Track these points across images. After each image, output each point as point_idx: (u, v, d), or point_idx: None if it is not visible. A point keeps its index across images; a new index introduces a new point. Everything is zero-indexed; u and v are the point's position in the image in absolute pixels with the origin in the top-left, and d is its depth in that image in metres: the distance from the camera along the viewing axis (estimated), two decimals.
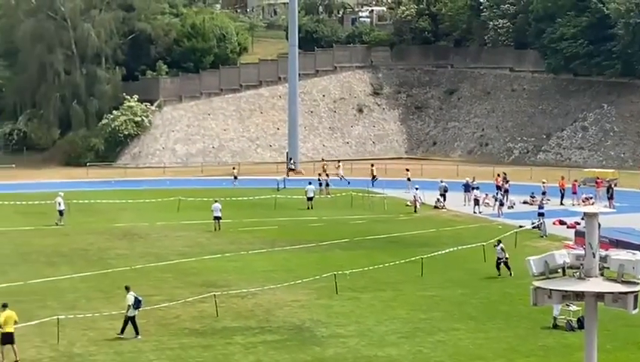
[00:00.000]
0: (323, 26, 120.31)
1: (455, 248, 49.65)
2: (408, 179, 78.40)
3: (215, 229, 59.19)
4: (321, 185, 77.61)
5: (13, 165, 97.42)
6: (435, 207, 69.22)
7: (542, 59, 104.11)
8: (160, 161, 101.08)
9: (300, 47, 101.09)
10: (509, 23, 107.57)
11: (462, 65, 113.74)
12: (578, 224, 56.11)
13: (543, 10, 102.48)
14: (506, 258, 44.57)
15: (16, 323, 32.61)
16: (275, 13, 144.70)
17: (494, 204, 67.76)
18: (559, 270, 17.35)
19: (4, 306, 32.76)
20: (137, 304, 34.67)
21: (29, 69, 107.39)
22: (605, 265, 17.10)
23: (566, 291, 16.91)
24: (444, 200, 70.03)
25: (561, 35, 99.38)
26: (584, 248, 17.19)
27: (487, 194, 70.38)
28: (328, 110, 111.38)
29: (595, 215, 17.24)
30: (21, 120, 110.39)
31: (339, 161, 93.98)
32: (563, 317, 35.20)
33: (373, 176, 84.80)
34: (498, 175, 74.64)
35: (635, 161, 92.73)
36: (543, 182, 71.84)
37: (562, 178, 72.42)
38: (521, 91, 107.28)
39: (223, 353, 32.97)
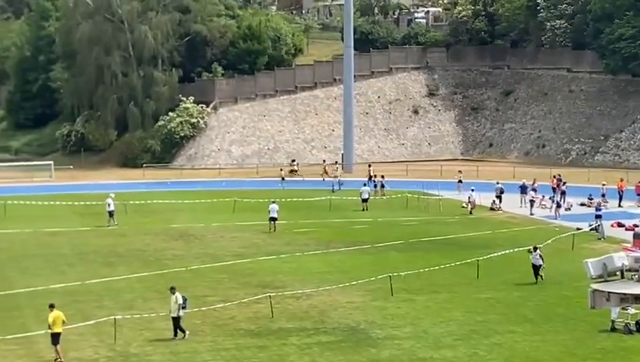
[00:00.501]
0: (378, 27, 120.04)
1: (511, 250, 49.28)
2: (460, 181, 78.03)
3: (270, 230, 59.30)
4: (375, 186, 77.45)
5: (71, 166, 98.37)
6: (491, 209, 68.80)
7: (600, 59, 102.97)
8: (215, 162, 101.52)
9: (355, 49, 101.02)
10: (566, 24, 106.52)
11: (519, 66, 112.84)
12: (637, 226, 55.49)
13: (600, 10, 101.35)
14: (541, 265, 43.41)
15: (64, 323, 32.77)
16: (331, 14, 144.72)
17: (551, 206, 67.22)
18: (617, 273, 17.13)
19: (52, 307, 32.90)
20: (184, 304, 34.78)
21: (86, 71, 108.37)
22: None
23: (624, 294, 16.70)
24: (500, 201, 69.59)
25: (620, 36, 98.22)
26: None
27: (543, 196, 69.85)
28: (383, 111, 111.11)
29: None
30: (79, 121, 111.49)
31: (336, 162, 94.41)
32: (621, 320, 34.78)
33: (370, 177, 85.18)
34: (554, 176, 74.08)
35: None
36: (603, 184, 71.05)
37: (621, 180, 71.62)
38: (579, 92, 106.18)
39: (278, 354, 33.00)
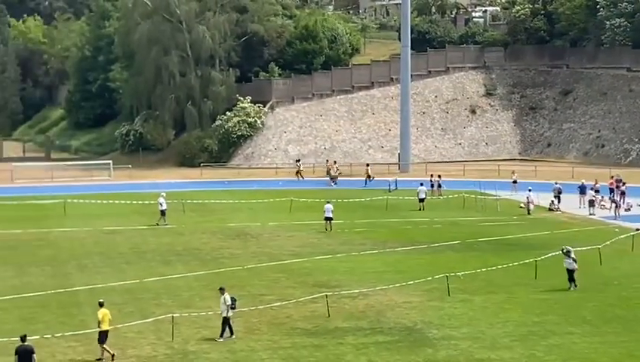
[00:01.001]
0: (436, 27, 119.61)
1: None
2: (514, 182, 77.45)
3: (326, 230, 59.34)
4: (432, 186, 77.16)
5: (130, 165, 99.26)
6: (550, 209, 68.25)
7: None
8: (272, 161, 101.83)
9: (412, 48, 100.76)
10: (626, 22, 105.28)
11: (578, 66, 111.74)
12: None
13: None
14: (575, 268, 42.32)
15: (110, 322, 33.01)
16: (388, 14, 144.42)
17: (610, 207, 66.53)
18: None
19: (101, 304, 33.11)
20: (233, 304, 34.88)
21: (145, 71, 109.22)
22: None
23: None
24: (559, 202, 69.01)
25: None
26: None
27: (602, 197, 69.15)
28: (440, 111, 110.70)
29: None
30: (137, 121, 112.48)
31: (334, 161, 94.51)
32: None
33: (368, 176, 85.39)
34: (611, 177, 73.35)
35: None
36: None
37: None
38: (639, 92, 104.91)
39: (335, 353, 33.02)
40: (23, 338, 29.56)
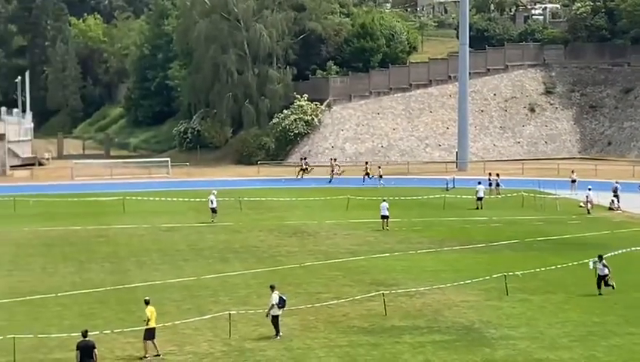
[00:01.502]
0: (494, 24, 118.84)
1: (629, 249, 48.21)
2: (573, 181, 76.63)
3: (383, 228, 59.17)
4: (490, 185, 76.63)
5: (187, 163, 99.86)
6: (610, 209, 67.44)
7: None
8: (329, 159, 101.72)
9: (470, 46, 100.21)
10: None
11: (639, 64, 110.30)
12: None
13: None
14: (606, 274, 41.07)
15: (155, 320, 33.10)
16: (446, 11, 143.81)
17: None
18: None
19: (147, 302, 33.17)
20: (282, 303, 34.82)
21: (203, 69, 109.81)
22: None
23: None
24: (619, 201, 68.18)
25: None
26: None
27: None
28: (499, 109, 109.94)
29: None
30: (195, 119, 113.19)
31: (334, 159, 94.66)
32: None
33: (366, 174, 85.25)
34: None
35: None
36: None
37: None
38: None
39: (391, 352, 32.88)
40: (85, 334, 29.79)
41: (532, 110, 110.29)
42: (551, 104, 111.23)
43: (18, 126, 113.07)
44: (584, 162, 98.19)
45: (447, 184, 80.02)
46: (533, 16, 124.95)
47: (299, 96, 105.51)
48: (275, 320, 34.66)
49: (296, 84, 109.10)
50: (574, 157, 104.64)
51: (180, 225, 61.84)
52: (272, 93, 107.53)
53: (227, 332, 34.77)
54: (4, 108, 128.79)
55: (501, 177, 78.32)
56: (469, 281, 42.09)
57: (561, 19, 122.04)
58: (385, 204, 59.96)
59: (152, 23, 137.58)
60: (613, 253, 46.88)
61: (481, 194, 69.65)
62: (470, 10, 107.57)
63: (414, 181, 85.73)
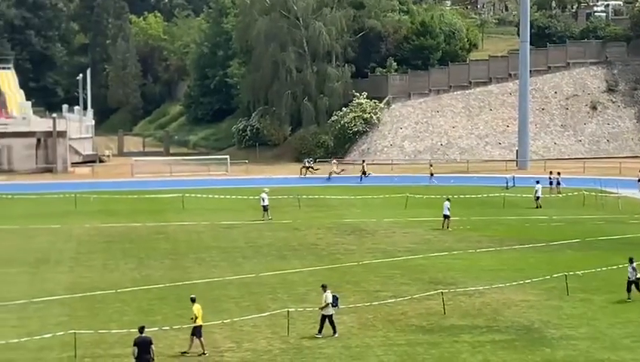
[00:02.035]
0: (556, 22, 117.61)
1: None
2: (639, 180, 75.65)
3: (443, 227, 58.84)
4: (551, 183, 75.90)
5: (246, 160, 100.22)
6: None
7: None
8: (388, 157, 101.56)
9: (531, 43, 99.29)
10: None
11: None
12: None
13: None
14: (637, 278, 40.02)
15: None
16: (507, 8, 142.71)
17: None
18: None
19: (193, 300, 33.19)
20: (335, 302, 34.72)
21: (262, 67, 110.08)
22: None
23: None
24: None
25: None
26: None
27: None
28: (560, 107, 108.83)
29: None
30: (254, 116, 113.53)
31: (335, 158, 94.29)
32: None
33: (364, 172, 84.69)
34: None
35: None
36: None
37: None
38: None
39: (450, 351, 32.71)
40: (142, 330, 30.00)
41: (594, 108, 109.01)
42: (613, 102, 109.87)
43: (79, 123, 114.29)
44: None
45: (507, 182, 79.35)
46: (596, 13, 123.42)
47: (358, 94, 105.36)
48: (324, 319, 34.60)
49: (355, 82, 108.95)
50: (637, 156, 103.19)
51: (239, 222, 62.06)
52: (331, 91, 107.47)
53: (285, 330, 34.82)
54: (65, 106, 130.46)
55: (562, 176, 77.52)
56: (529, 281, 41.75)
57: (623, 16, 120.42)
58: (447, 203, 59.49)
59: (212, 21, 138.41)
60: None
61: (539, 194, 68.97)
62: (531, 7, 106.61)
63: (474, 179, 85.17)
